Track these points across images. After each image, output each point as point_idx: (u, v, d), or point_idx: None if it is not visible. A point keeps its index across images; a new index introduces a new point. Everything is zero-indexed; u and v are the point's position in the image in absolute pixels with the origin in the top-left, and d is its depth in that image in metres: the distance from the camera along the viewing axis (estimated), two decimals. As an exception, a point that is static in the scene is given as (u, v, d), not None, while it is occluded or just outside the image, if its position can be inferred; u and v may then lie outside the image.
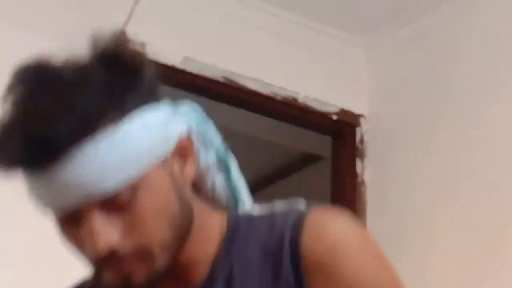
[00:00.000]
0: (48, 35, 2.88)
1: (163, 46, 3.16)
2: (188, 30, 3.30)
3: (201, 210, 1.23)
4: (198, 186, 1.28)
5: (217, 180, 1.31)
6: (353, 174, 3.57)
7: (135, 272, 1.16)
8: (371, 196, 3.52)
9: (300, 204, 1.24)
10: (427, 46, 3.44)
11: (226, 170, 1.31)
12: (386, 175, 3.50)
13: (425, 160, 3.32)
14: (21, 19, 2.96)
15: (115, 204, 1.13)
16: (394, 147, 3.49)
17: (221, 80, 3.34)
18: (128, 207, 1.14)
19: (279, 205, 1.26)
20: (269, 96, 3.45)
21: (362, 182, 3.56)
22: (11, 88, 1.15)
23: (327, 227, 1.18)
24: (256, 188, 4.45)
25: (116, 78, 1.13)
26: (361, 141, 3.62)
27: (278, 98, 3.46)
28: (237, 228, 1.24)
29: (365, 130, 3.62)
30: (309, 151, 4.29)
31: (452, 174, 3.19)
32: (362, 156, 3.60)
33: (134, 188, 1.13)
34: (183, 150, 1.20)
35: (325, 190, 3.65)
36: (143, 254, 1.16)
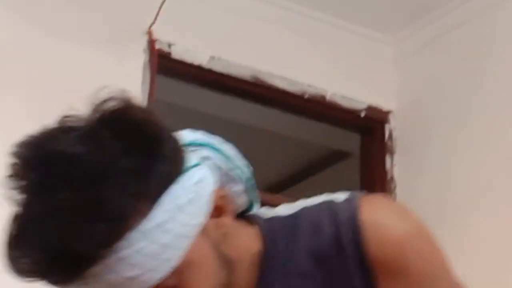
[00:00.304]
0: (75, 39, 2.90)
1: (190, 45, 3.17)
2: (215, 29, 3.30)
3: (236, 237, 1.15)
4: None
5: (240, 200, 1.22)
6: (383, 171, 3.56)
7: None
8: (401, 193, 3.50)
9: (333, 197, 1.20)
10: (455, 42, 3.42)
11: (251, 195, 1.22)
12: (416, 172, 3.48)
13: (456, 155, 3.30)
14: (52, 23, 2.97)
15: None
16: (424, 143, 3.47)
17: (249, 79, 3.34)
18: None
19: (306, 202, 1.21)
20: (297, 94, 3.44)
21: (392, 179, 3.54)
22: (17, 174, 1.03)
23: (388, 225, 1.14)
24: (284, 186, 4.44)
25: (139, 160, 1.02)
26: (390, 137, 3.60)
27: (306, 96, 3.46)
28: (275, 240, 1.17)
29: (393, 126, 3.60)
30: (338, 148, 4.28)
31: (485, 170, 3.17)
32: (391, 153, 3.58)
33: (178, 272, 1.06)
34: (218, 206, 1.12)
35: (354, 188, 3.64)
36: None
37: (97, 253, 1.00)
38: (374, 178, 3.57)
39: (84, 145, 1.02)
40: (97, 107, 1.06)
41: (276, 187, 4.25)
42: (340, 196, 1.19)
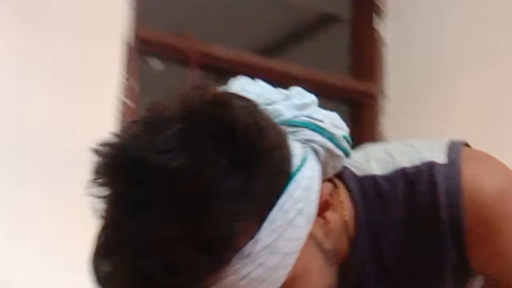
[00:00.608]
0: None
1: None
2: None
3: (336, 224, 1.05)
4: None
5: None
6: (373, 33, 3.51)
7: None
8: (393, 55, 3.47)
9: (433, 154, 1.07)
10: None
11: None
12: (407, 33, 3.43)
13: (450, 15, 3.25)
14: None
15: None
16: (416, 4, 3.41)
17: None
18: None
19: (401, 156, 1.08)
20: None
21: (383, 41, 3.50)
22: (100, 180, 0.91)
23: (488, 191, 1.04)
24: (276, 49, 4.40)
25: (244, 173, 0.90)
26: (381, -1, 3.54)
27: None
28: (368, 210, 1.07)
29: (384, -13, 3.54)
30: (328, 11, 4.22)
31: (479, 28, 3.13)
32: (382, 14, 3.52)
33: (289, 285, 0.95)
34: (325, 204, 1.01)
35: (345, 49, 3.61)
36: None
37: (196, 285, 0.90)
38: (365, 40, 3.53)
39: (183, 157, 0.89)
40: (186, 100, 0.93)
41: (264, 51, 4.21)
42: (439, 154, 1.07)
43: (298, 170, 0.96)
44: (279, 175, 0.94)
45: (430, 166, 1.05)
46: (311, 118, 1.02)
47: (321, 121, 1.02)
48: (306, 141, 1.01)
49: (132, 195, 0.89)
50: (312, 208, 0.97)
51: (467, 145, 1.11)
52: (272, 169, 0.92)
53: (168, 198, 0.88)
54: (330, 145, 1.02)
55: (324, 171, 1.02)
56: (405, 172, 1.06)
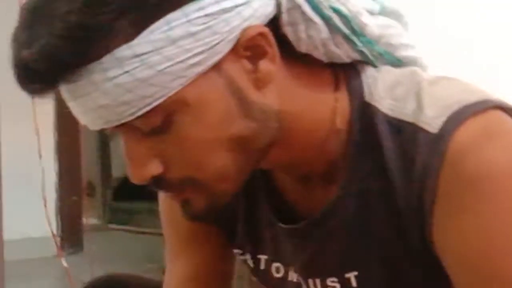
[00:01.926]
0: None
1: None
2: None
3: (301, 98, 0.99)
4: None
5: (337, 53, 1.01)
6: None
7: (191, 199, 0.98)
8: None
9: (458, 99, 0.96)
10: None
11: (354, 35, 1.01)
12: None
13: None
14: None
15: (151, 130, 0.93)
16: None
17: None
18: (168, 134, 0.93)
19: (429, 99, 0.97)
20: None
21: None
22: None
23: (472, 164, 0.91)
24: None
25: None
26: None
27: None
28: (373, 130, 0.98)
29: None
30: None
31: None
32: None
33: (167, 113, 0.92)
34: (253, 47, 0.94)
35: None
36: (194, 185, 0.96)
37: (66, 75, 0.90)
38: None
39: None
40: None
41: None
42: (437, 119, 0.95)
43: None
44: None
45: (415, 133, 0.96)
46: None
47: None
48: None
49: None
50: (218, 40, 0.91)
51: (501, 108, 0.96)
52: None
53: None
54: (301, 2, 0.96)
55: (293, 32, 0.97)
56: (399, 126, 0.98)
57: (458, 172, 0.92)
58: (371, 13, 1.04)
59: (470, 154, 0.92)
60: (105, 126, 0.93)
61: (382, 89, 1.01)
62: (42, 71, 0.88)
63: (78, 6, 0.87)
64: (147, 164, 0.94)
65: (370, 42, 1.02)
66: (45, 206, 3.37)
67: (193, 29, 0.90)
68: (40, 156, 3.32)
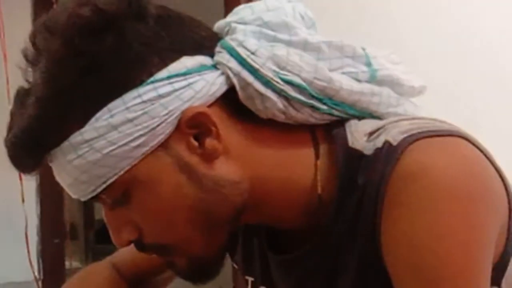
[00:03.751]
0: None
1: None
2: None
3: (275, 161, 1.02)
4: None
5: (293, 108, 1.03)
6: None
7: (174, 261, 1.06)
8: None
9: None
10: None
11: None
12: None
13: None
14: None
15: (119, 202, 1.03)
16: None
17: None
18: (130, 205, 1.02)
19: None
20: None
21: None
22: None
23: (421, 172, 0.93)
24: None
25: (85, 72, 0.97)
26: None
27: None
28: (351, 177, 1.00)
29: None
30: None
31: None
32: None
33: (124, 188, 1.01)
34: (197, 126, 1.00)
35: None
36: (169, 249, 1.04)
37: (36, 162, 1.03)
38: None
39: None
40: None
41: None
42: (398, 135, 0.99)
43: (158, 81, 0.98)
44: (120, 79, 0.98)
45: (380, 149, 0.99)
46: (242, 45, 1.01)
47: (253, 53, 1.01)
48: (219, 64, 1.01)
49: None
50: (158, 123, 0.98)
51: (468, 139, 0.99)
52: (114, 72, 0.97)
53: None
54: (247, 76, 1.00)
55: (250, 104, 1.01)
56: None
57: (404, 175, 0.94)
58: (356, 79, 1.05)
59: (417, 158, 0.94)
60: (81, 198, 1.04)
61: (362, 134, 1.03)
62: (18, 156, 1.02)
63: (40, 100, 0.99)
64: (122, 230, 1.04)
65: (339, 104, 1.03)
66: (28, 250, 3.36)
67: (131, 115, 0.98)
68: (23, 200, 3.32)
